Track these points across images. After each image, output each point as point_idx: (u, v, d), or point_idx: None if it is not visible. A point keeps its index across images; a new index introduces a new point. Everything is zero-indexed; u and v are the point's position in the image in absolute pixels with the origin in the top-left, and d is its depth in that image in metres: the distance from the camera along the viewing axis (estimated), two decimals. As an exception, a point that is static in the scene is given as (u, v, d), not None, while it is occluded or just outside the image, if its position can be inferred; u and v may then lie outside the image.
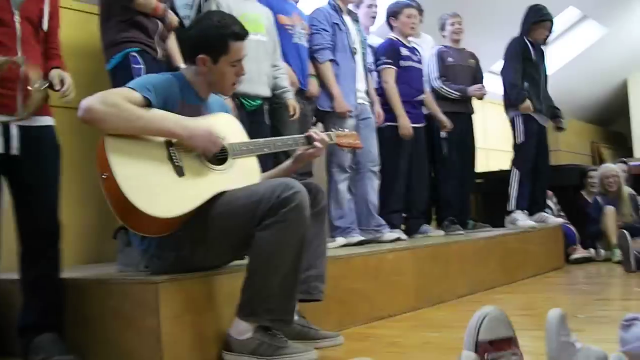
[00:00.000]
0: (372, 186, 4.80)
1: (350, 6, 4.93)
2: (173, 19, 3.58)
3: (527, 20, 6.08)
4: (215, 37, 2.74)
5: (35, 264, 2.70)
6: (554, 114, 6.29)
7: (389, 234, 4.69)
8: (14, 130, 2.62)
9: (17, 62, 2.57)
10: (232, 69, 2.79)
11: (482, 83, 5.95)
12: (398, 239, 4.71)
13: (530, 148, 6.04)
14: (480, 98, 5.87)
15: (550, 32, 6.14)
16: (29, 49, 2.66)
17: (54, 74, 2.72)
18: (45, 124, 2.75)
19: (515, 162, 6.10)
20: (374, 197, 4.82)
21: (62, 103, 3.17)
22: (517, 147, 6.10)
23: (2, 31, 2.58)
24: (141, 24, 3.48)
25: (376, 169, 4.84)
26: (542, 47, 6.21)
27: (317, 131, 3.09)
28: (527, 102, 5.86)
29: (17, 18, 2.62)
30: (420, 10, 5.55)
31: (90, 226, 4.10)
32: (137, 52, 3.44)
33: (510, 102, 6.04)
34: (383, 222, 4.81)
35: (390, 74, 5.21)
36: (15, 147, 2.61)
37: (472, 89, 5.77)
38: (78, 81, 3.52)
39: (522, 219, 5.92)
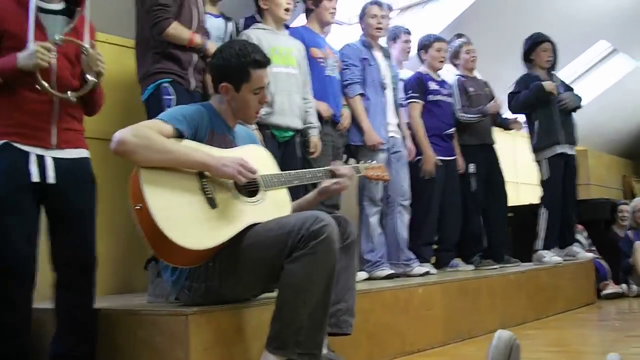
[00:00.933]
0: (403, 220, 4.80)
1: (382, 42, 4.96)
2: (210, 49, 3.59)
3: (525, 51, 5.98)
4: (236, 65, 2.77)
5: (69, 294, 2.72)
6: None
7: (418, 268, 4.67)
8: (49, 161, 2.65)
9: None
10: (254, 97, 2.81)
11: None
12: (427, 273, 4.68)
13: (557, 183, 5.86)
14: (499, 110, 5.78)
15: (553, 54, 5.94)
16: (64, 83, 2.70)
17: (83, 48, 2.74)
18: (80, 156, 2.78)
19: (542, 200, 5.92)
20: (403, 231, 4.81)
21: (96, 134, 3.22)
22: (543, 184, 5.93)
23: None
24: (174, 56, 3.53)
25: (407, 203, 4.84)
26: (553, 72, 6.06)
27: (340, 166, 3.08)
28: (546, 84, 5.73)
29: (54, 54, 2.67)
30: (447, 42, 5.56)
31: (122, 257, 4.13)
32: (169, 83, 3.49)
33: (535, 147, 5.93)
34: (413, 256, 4.80)
35: (416, 108, 5.22)
36: (51, 177, 2.64)
37: (489, 105, 5.67)
38: (114, 113, 3.59)
39: (548, 256, 5.76)
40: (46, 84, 2.58)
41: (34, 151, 2.62)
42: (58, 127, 2.68)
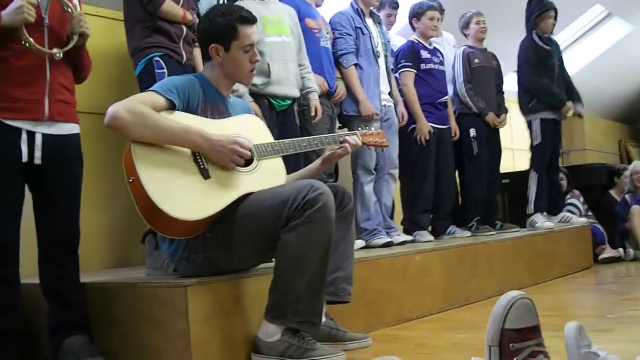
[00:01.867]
0: (389, 189, 4.80)
1: (373, 8, 4.92)
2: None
3: (529, 16, 6.02)
4: (223, 24, 2.76)
5: (51, 269, 2.75)
6: (574, 99, 6.17)
7: (397, 237, 4.67)
8: (39, 140, 2.64)
9: None
10: (245, 55, 2.79)
11: (502, 86, 5.95)
12: (405, 242, 4.67)
13: (547, 148, 6.00)
14: (495, 126, 5.82)
15: (555, 20, 6.04)
16: (52, 44, 2.69)
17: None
18: (71, 133, 2.77)
19: (533, 164, 6.04)
20: (389, 200, 4.84)
21: (90, 109, 3.21)
22: (534, 149, 6.04)
23: (31, 33, 2.60)
24: (164, 29, 3.52)
25: (395, 172, 4.83)
26: (552, 37, 6.12)
27: (343, 132, 3.08)
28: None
29: (46, 22, 2.66)
30: (442, 10, 5.54)
31: (119, 230, 4.13)
32: (160, 57, 3.48)
33: (526, 106, 6.01)
34: (394, 225, 4.85)
35: (409, 77, 5.20)
36: (38, 157, 2.65)
37: (492, 118, 5.72)
38: (107, 87, 3.57)
39: (540, 221, 5.88)
40: (32, 40, 2.56)
41: (25, 127, 2.61)
42: (50, 99, 2.66)
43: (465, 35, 5.96)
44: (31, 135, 2.63)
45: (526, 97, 6.03)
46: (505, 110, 5.93)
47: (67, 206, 2.78)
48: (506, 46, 6.33)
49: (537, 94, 5.95)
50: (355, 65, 4.62)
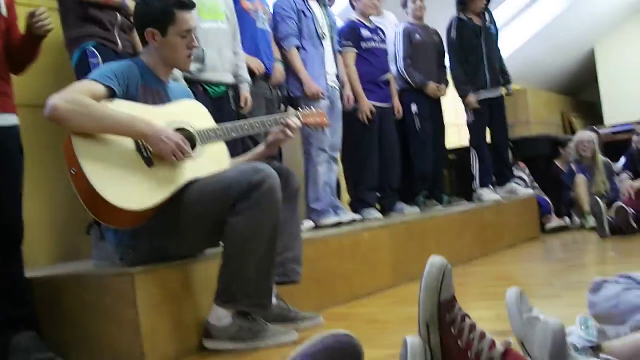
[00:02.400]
0: (332, 170, 4.80)
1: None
2: (131, 7, 3.51)
3: None
4: (160, 8, 2.74)
5: None
6: (503, 80, 6.24)
7: (346, 216, 4.67)
8: None
9: None
10: (182, 40, 2.77)
11: (444, 61, 6.00)
12: (354, 221, 4.69)
13: (481, 126, 6.10)
14: (437, 96, 5.88)
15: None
16: None
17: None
18: (9, 124, 2.72)
19: (471, 143, 6.16)
20: (333, 180, 4.82)
21: (27, 101, 3.15)
22: (469, 127, 6.16)
23: None
24: (95, 18, 3.44)
25: (336, 155, 4.83)
26: (485, 13, 6.16)
27: (284, 114, 3.08)
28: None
29: None
30: None
31: (63, 223, 4.06)
32: (94, 47, 3.42)
33: (461, 94, 6.10)
34: (340, 204, 4.86)
35: (350, 56, 5.20)
36: None
37: (432, 88, 5.76)
38: (44, 78, 3.51)
39: (486, 194, 5.98)
40: None
41: None
42: None
43: (407, 14, 5.97)
44: None
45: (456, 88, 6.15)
46: (447, 83, 5.98)
47: (8, 199, 2.73)
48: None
49: (450, 70, 6.10)
50: (298, 48, 4.61)
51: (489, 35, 6.12)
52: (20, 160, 2.79)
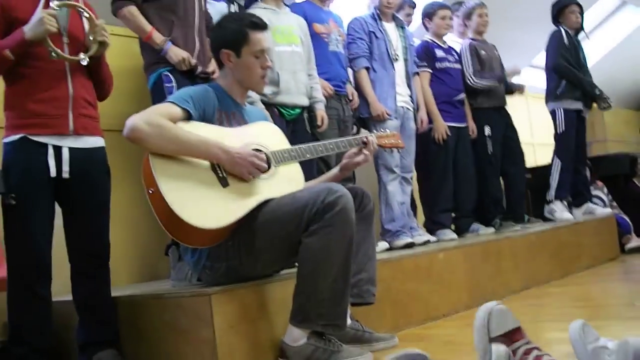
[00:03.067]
0: (405, 192, 4.77)
1: (394, 11, 4.93)
2: (173, 56, 3.52)
3: (553, 11, 6.15)
4: (234, 29, 2.80)
5: (85, 283, 2.79)
6: (597, 96, 6.18)
7: (420, 237, 4.65)
8: (66, 154, 2.69)
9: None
10: (256, 60, 2.82)
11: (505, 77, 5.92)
12: (428, 242, 4.66)
13: (571, 137, 6.03)
14: (517, 73, 5.81)
15: (581, 15, 6.12)
16: (76, 69, 2.74)
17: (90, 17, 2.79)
18: (96, 146, 2.82)
19: (557, 152, 6.09)
20: (406, 201, 4.78)
21: (110, 126, 3.24)
22: (558, 137, 6.08)
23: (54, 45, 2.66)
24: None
25: (408, 176, 4.81)
26: (578, 36, 6.18)
27: (361, 135, 3.08)
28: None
29: (65, 39, 2.72)
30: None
31: (144, 244, 4.16)
32: (169, 71, 3.50)
33: (553, 92, 6.03)
34: (416, 225, 4.85)
35: (425, 77, 5.21)
36: (66, 171, 2.69)
37: (510, 69, 5.74)
38: (125, 104, 3.61)
39: (559, 210, 5.89)
40: (59, 50, 2.61)
41: (50, 142, 2.67)
42: (74, 113, 2.72)
43: (467, 28, 5.89)
44: (57, 149, 2.68)
45: (552, 83, 6.07)
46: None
47: (97, 219, 2.82)
48: (519, 38, 6.30)
49: (564, 78, 6.00)
50: (367, 68, 4.64)
51: (583, 57, 6.17)
52: (108, 182, 2.88)
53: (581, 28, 6.17)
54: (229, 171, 2.62)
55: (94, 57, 2.77)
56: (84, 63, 2.71)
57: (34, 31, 2.57)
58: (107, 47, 2.81)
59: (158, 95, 3.46)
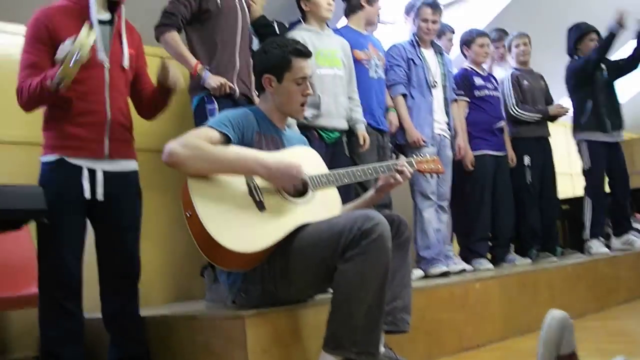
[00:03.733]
0: (440, 219, 4.75)
1: (435, 38, 4.97)
2: (210, 82, 3.57)
3: (569, 42, 6.03)
4: (278, 55, 2.81)
5: (114, 300, 2.82)
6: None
7: (455, 266, 4.62)
8: (100, 177, 2.73)
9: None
10: (297, 87, 2.83)
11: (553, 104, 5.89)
12: (464, 271, 4.63)
13: (599, 172, 5.92)
14: (563, 115, 5.75)
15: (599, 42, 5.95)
16: (116, 94, 2.78)
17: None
18: (129, 170, 2.86)
19: (586, 190, 5.99)
20: (442, 228, 4.75)
21: (149, 146, 3.28)
22: (585, 174, 5.99)
23: (92, 75, 2.71)
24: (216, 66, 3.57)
25: (445, 204, 4.77)
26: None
27: (402, 161, 3.07)
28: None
29: (106, 64, 2.75)
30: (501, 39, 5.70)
31: (179, 265, 4.19)
32: (212, 95, 3.54)
33: (575, 123, 5.96)
34: (451, 254, 4.83)
35: (461, 105, 5.21)
36: (100, 194, 2.73)
37: (553, 107, 5.68)
38: (165, 124, 3.65)
39: (595, 247, 5.80)
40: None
41: (86, 164, 2.71)
42: (110, 138, 2.76)
43: (511, 59, 5.92)
44: (92, 172, 2.71)
45: (574, 115, 6.00)
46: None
47: (128, 241, 2.85)
48: (543, 64, 6.26)
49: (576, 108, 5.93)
50: (405, 95, 4.64)
51: (608, 81, 5.98)
52: (139, 204, 2.92)
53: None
54: (265, 188, 2.63)
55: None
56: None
57: (62, 54, 2.57)
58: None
59: (200, 117, 3.51)
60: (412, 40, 4.81)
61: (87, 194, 2.70)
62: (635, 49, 5.85)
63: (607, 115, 5.86)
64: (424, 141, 4.56)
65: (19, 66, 2.72)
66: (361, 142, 4.06)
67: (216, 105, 3.51)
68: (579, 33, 5.97)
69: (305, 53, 2.85)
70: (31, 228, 2.94)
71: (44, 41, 2.68)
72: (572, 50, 6.01)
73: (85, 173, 2.70)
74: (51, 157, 2.72)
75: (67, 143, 2.70)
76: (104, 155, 2.74)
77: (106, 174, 2.75)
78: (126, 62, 2.86)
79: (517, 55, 5.82)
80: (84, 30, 2.53)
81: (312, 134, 3.78)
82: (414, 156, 3.22)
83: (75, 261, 2.72)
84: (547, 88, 5.96)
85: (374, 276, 2.52)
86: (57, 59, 2.58)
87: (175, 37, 3.56)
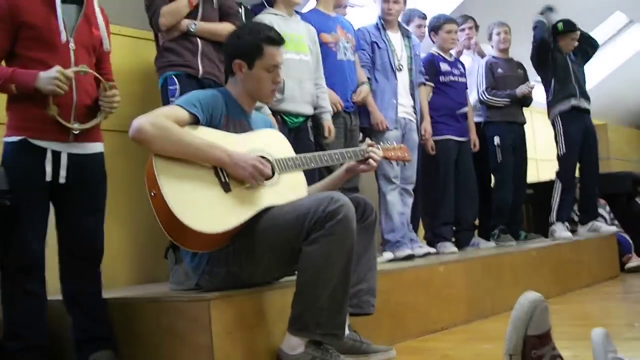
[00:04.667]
0: (406, 203, 4.77)
1: (401, 20, 4.97)
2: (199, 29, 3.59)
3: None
4: (249, 41, 2.79)
5: (74, 282, 2.80)
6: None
7: (420, 249, 4.64)
8: (64, 159, 2.69)
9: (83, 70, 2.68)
10: (268, 74, 2.82)
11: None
12: (428, 254, 4.66)
13: (573, 159, 6.03)
14: (529, 94, 5.80)
15: (578, 42, 6.10)
16: (81, 80, 2.73)
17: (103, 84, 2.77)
18: (95, 152, 2.82)
19: (559, 174, 6.09)
20: (406, 211, 4.78)
21: (113, 127, 3.24)
22: (560, 159, 6.08)
23: (57, 57, 2.65)
24: (172, 48, 3.57)
25: (409, 187, 4.79)
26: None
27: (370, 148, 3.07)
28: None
29: (72, 45, 2.70)
30: (477, 27, 5.83)
31: (143, 246, 4.15)
32: (175, 75, 3.53)
33: (549, 103, 6.07)
34: (416, 237, 4.85)
35: (423, 90, 5.20)
36: (62, 176, 2.69)
37: (519, 88, 5.72)
38: (129, 105, 3.61)
39: (559, 230, 5.90)
40: (54, 112, 2.61)
41: (50, 146, 2.67)
42: (76, 120, 2.70)
43: (492, 47, 6.01)
44: (56, 154, 2.68)
45: (546, 99, 6.10)
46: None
47: (90, 223, 2.82)
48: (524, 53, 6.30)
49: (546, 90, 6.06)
50: (369, 79, 4.62)
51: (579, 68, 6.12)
52: (104, 186, 2.89)
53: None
54: (232, 175, 2.62)
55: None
56: (75, 132, 2.71)
57: (43, 86, 2.57)
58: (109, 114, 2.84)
59: (164, 97, 3.53)
60: (377, 24, 4.79)
61: (49, 177, 2.67)
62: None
63: (575, 81, 6.01)
64: (386, 126, 4.55)
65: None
66: (326, 133, 4.04)
67: (178, 86, 3.50)
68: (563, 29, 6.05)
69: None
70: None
71: (4, 19, 2.64)
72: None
73: (49, 155, 2.66)
74: (14, 138, 2.67)
75: (32, 124, 2.65)
76: (69, 139, 2.70)
77: (71, 157, 2.71)
78: (105, 45, 2.84)
79: (497, 43, 5.92)
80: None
81: (275, 118, 3.75)
82: (381, 143, 3.22)
83: (38, 243, 2.68)
84: (526, 76, 6.02)
85: (339, 258, 2.53)
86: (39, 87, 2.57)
87: (167, 8, 3.53)
